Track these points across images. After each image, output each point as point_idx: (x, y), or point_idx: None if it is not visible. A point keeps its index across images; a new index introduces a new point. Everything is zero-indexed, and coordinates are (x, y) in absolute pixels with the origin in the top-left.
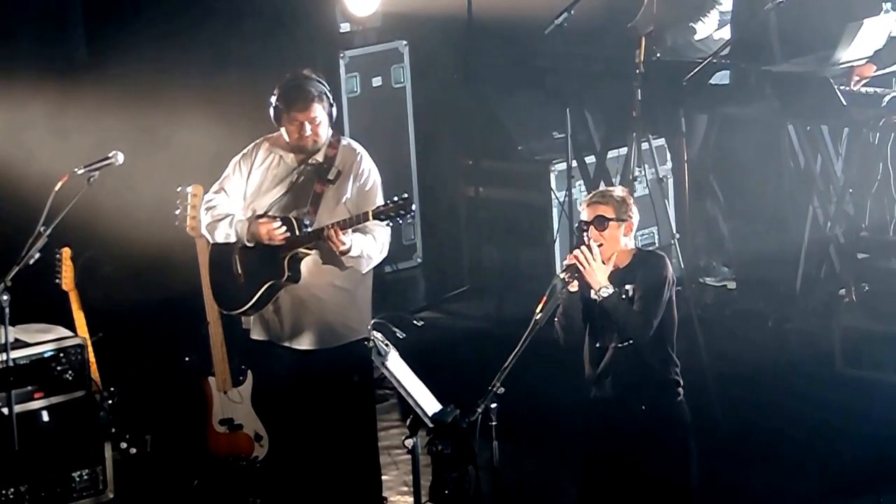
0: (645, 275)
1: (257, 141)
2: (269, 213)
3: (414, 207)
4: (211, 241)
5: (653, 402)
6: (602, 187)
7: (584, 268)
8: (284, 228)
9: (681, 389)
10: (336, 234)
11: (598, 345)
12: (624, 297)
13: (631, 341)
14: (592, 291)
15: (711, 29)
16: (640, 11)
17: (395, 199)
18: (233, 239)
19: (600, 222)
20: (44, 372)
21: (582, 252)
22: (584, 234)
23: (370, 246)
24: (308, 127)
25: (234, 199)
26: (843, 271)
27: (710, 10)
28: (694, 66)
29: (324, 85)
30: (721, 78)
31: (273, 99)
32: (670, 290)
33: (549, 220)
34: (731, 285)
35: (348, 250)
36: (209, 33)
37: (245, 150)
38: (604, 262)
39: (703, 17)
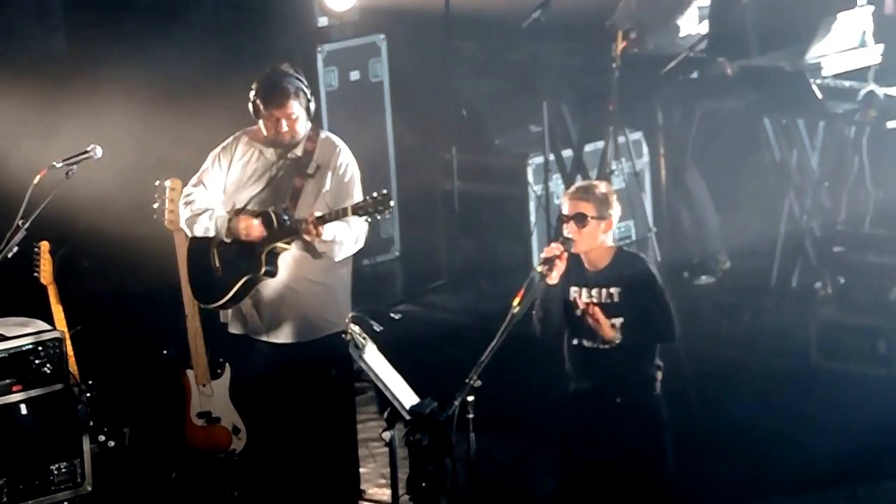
0: (635, 284)
1: (236, 134)
2: (248, 208)
3: (392, 203)
4: (190, 236)
5: (628, 396)
6: (583, 181)
7: (594, 324)
8: (262, 225)
9: (658, 384)
10: (315, 227)
11: (577, 343)
12: (608, 301)
13: (608, 344)
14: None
15: (691, 26)
16: (619, 7)
17: (375, 195)
18: (212, 233)
19: (580, 220)
20: (22, 365)
21: (589, 316)
22: (563, 226)
23: (343, 231)
24: (285, 123)
25: (214, 192)
26: (818, 264)
27: (689, 6)
28: (670, 59)
29: (301, 80)
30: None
31: (251, 94)
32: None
33: (527, 214)
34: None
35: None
36: (188, 26)
37: (224, 144)
38: (605, 312)
39: (683, 14)
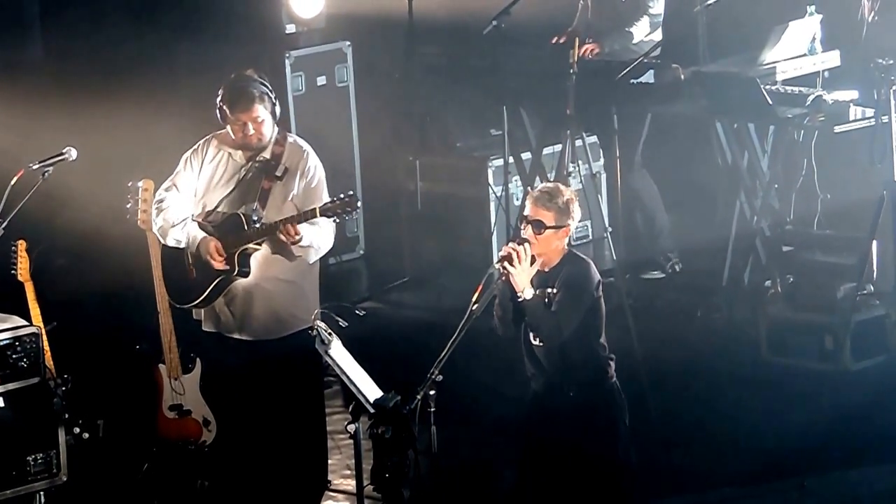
0: (567, 281)
1: (207, 137)
2: (219, 209)
3: (359, 204)
4: (162, 244)
5: (581, 390)
6: (550, 184)
7: (511, 268)
8: (225, 262)
9: (610, 377)
10: (292, 227)
11: (529, 340)
12: (547, 300)
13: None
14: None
15: (644, 33)
16: (577, 16)
17: (342, 196)
18: (182, 245)
19: (538, 226)
20: None
21: (512, 252)
22: (522, 226)
23: (318, 236)
24: (251, 126)
25: (185, 194)
26: (768, 263)
27: (643, 15)
28: (625, 65)
29: (266, 85)
30: (650, 77)
31: (217, 100)
32: (591, 298)
33: (487, 214)
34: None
35: (300, 240)
36: (161, 32)
37: (195, 147)
38: (534, 260)
39: (636, 21)
